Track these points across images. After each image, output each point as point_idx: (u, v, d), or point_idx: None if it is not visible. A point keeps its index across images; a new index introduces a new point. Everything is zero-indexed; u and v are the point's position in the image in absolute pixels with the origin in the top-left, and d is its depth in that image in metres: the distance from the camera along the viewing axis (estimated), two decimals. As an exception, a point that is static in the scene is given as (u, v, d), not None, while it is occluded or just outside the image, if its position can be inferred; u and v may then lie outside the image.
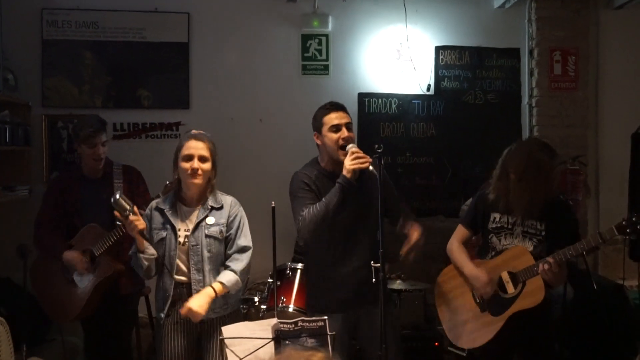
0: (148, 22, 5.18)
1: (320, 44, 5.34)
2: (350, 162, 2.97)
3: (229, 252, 3.12)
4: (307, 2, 5.27)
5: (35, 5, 5.09)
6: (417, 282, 4.75)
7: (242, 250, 3.12)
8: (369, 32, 5.39)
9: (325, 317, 2.70)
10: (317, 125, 3.19)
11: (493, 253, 3.28)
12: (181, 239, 3.06)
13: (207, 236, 3.06)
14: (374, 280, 2.80)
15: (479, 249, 3.44)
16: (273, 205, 2.85)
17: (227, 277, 3.03)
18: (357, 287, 3.12)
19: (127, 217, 2.99)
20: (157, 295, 3.14)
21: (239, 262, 3.09)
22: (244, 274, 3.09)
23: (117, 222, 3.43)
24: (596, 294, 3.97)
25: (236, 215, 3.15)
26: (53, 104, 5.06)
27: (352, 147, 3.03)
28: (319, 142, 3.20)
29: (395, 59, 5.40)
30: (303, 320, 2.69)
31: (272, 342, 2.63)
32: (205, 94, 5.26)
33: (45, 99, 5.10)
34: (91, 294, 3.54)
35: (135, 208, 3.03)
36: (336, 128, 3.10)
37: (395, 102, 5.38)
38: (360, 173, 3.06)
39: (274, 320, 2.68)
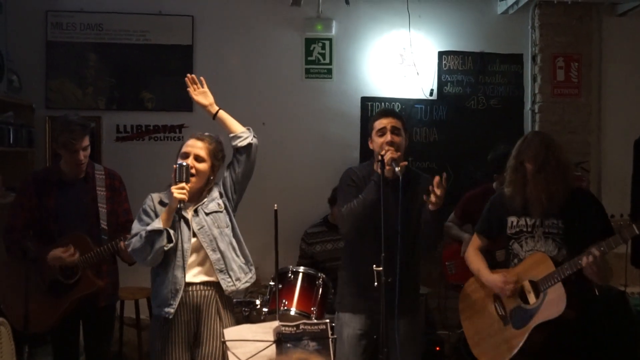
0: (152, 24, 5.21)
1: (323, 48, 5.35)
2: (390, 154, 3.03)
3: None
4: (311, 6, 5.28)
5: (40, 7, 5.12)
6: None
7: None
8: (372, 36, 5.41)
9: (327, 321, 2.70)
10: (370, 130, 3.27)
11: (516, 261, 3.10)
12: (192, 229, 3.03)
13: (207, 214, 3.03)
14: (375, 284, 2.81)
15: (504, 259, 3.27)
16: (275, 208, 2.86)
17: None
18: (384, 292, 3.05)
19: (182, 187, 2.90)
20: (162, 290, 3.00)
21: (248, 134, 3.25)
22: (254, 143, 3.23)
23: (103, 237, 3.39)
24: (598, 300, 3.96)
25: (223, 176, 3.20)
26: (57, 106, 5.08)
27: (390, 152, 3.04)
28: (371, 146, 3.27)
29: (398, 64, 5.41)
30: (305, 323, 2.70)
31: (274, 345, 2.63)
32: (209, 97, 5.27)
33: (48, 100, 5.12)
34: (67, 306, 3.36)
35: (187, 184, 2.93)
36: (382, 132, 3.17)
37: (398, 107, 5.39)
38: (406, 180, 3.07)
39: (276, 323, 2.68)
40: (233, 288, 3.03)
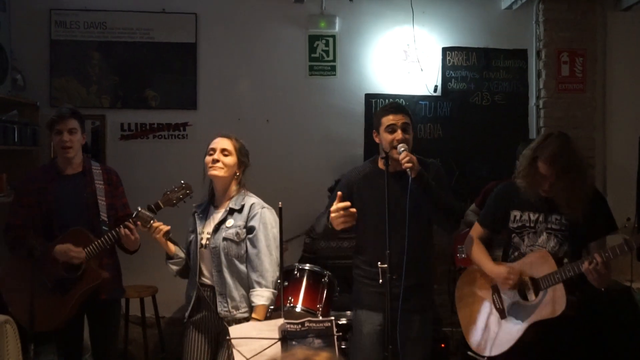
0: (156, 22, 5.21)
1: (327, 44, 5.34)
2: (337, 220, 2.96)
3: (251, 273, 3.07)
4: (314, 3, 5.27)
5: (44, 6, 5.13)
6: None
7: (263, 274, 3.05)
8: (376, 33, 5.39)
9: (332, 318, 2.70)
10: (376, 125, 3.25)
11: (516, 254, 3.11)
12: (203, 242, 3.12)
13: (224, 239, 3.06)
14: (380, 281, 2.81)
15: (503, 251, 3.28)
16: (280, 205, 2.85)
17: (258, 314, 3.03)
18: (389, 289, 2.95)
19: (150, 226, 3.10)
20: (186, 294, 3.23)
21: (265, 292, 3.04)
22: (271, 300, 3.06)
23: (104, 228, 3.40)
24: (603, 296, 3.95)
25: (254, 217, 3.10)
26: (61, 104, 5.06)
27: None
28: (377, 140, 3.27)
29: (402, 60, 5.40)
30: (310, 321, 2.70)
31: (279, 343, 2.63)
32: (213, 95, 5.28)
33: (53, 99, 5.13)
34: (74, 301, 3.33)
35: (153, 221, 3.13)
36: (391, 129, 3.14)
37: (402, 103, 5.37)
38: (403, 176, 3.05)
39: (281, 321, 2.68)
40: (227, 314, 3.05)
